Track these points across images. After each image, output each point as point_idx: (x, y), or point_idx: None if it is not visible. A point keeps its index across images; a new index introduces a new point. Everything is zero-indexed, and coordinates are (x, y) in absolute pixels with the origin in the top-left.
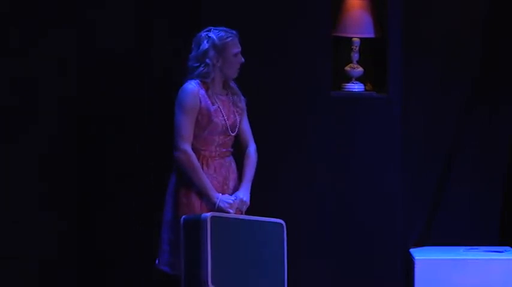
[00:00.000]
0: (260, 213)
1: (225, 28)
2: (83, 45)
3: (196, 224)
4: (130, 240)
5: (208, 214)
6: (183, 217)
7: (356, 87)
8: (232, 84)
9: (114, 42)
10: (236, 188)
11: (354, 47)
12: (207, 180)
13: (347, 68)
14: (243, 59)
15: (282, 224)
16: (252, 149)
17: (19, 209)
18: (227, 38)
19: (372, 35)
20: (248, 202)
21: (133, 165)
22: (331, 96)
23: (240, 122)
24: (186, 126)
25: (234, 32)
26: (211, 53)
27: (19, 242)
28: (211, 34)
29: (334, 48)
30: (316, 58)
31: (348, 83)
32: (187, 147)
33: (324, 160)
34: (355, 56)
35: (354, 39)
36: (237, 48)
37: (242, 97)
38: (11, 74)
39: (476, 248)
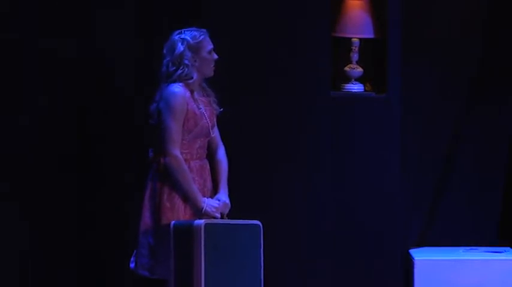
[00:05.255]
0: (259, 214)
1: (195, 28)
2: (83, 44)
3: (188, 230)
4: (130, 240)
5: (202, 221)
6: (173, 222)
7: (355, 87)
8: (204, 84)
9: (114, 41)
10: (213, 189)
11: (354, 48)
12: (194, 184)
13: (346, 68)
14: (216, 56)
15: (259, 225)
16: (223, 150)
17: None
18: (200, 36)
19: (371, 36)
20: (230, 205)
21: (135, 165)
22: (331, 96)
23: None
24: (177, 131)
25: (204, 30)
26: (188, 54)
27: (18, 242)
28: (184, 36)
29: (334, 49)
30: (315, 58)
31: (348, 83)
32: (178, 152)
33: (324, 160)
34: (355, 56)
35: (353, 39)
36: (210, 45)
37: (215, 98)
38: (11, 73)
39: (476, 249)
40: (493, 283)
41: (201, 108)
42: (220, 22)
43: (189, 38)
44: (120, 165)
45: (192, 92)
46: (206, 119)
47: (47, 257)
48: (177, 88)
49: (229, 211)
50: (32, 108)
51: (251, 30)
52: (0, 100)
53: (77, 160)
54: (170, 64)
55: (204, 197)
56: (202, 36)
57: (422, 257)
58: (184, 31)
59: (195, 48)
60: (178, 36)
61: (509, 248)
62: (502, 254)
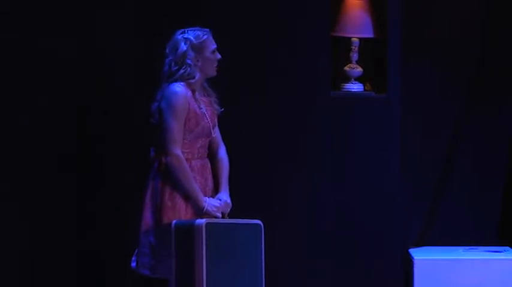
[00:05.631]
0: (259, 214)
1: (198, 27)
2: (83, 44)
3: (189, 230)
4: (130, 240)
5: (203, 221)
6: (174, 222)
7: (355, 87)
8: (205, 84)
9: (114, 41)
10: (214, 188)
11: (353, 47)
12: (195, 184)
13: (346, 68)
14: (219, 56)
15: (260, 225)
16: (224, 150)
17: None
18: (203, 36)
19: (371, 35)
20: (231, 204)
21: (135, 165)
22: (331, 96)
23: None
24: (178, 131)
25: (207, 29)
26: (191, 53)
27: (18, 242)
28: (187, 35)
29: (334, 49)
30: (315, 58)
31: (347, 83)
32: (179, 152)
33: (324, 159)
34: (355, 56)
35: (353, 39)
36: (214, 45)
37: (216, 98)
38: (11, 73)
39: (476, 248)
40: (493, 283)
41: (202, 108)
42: (220, 22)
43: (192, 38)
44: (120, 165)
45: (193, 91)
46: (207, 119)
47: (47, 257)
48: (179, 87)
49: (230, 210)
50: (32, 108)
51: (251, 30)
52: (0, 100)
53: (77, 160)
54: (173, 63)
55: (206, 196)
56: (205, 36)
57: (422, 256)
58: (187, 31)
59: (198, 48)
60: (181, 35)
61: (509, 248)
62: (502, 254)
